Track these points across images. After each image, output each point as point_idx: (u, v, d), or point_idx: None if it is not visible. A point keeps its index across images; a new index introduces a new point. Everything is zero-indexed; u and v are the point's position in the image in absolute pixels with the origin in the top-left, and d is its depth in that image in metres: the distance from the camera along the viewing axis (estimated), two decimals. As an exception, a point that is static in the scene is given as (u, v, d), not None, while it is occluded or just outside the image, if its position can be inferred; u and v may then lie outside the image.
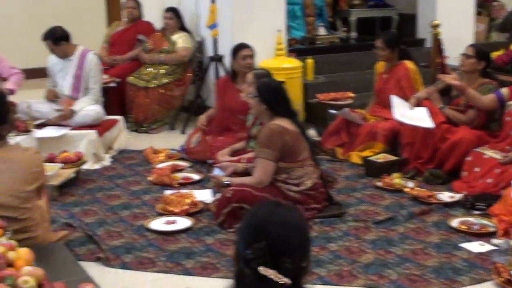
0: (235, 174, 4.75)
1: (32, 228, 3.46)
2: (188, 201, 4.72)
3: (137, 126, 6.97)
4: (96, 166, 5.78)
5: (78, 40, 6.32)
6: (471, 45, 5.65)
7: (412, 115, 5.40)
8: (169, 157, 5.95)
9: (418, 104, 5.51)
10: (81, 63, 6.06)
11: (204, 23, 6.92)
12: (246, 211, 1.96)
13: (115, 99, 7.01)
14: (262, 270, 1.70)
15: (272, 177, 4.45)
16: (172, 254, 4.06)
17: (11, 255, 2.88)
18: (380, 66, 6.21)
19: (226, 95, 5.82)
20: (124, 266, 3.93)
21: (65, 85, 6.12)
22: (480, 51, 5.45)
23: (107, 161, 5.93)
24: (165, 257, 4.02)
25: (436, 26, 6.17)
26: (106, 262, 3.96)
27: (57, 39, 5.96)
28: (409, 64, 5.99)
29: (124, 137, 6.36)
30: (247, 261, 1.73)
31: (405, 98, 5.67)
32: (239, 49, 5.87)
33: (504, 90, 5.25)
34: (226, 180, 4.54)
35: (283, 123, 4.42)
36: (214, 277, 3.79)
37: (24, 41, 9.34)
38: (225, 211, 4.39)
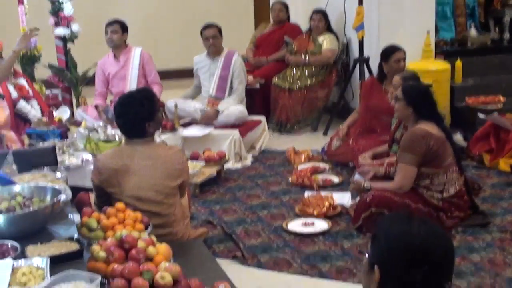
0: (376, 178, 4.66)
1: (172, 224, 3.56)
2: (327, 203, 4.69)
3: (280, 126, 7.02)
4: (238, 166, 5.89)
5: (226, 41, 6.47)
6: None
7: None
8: (310, 158, 5.94)
9: None
10: (227, 64, 6.20)
11: (350, 24, 6.86)
12: (381, 224, 1.88)
13: (259, 100, 7.11)
14: None
15: (415, 183, 4.32)
16: (308, 256, 4.05)
17: (151, 250, 2.97)
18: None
19: (372, 96, 5.72)
20: (260, 265, 3.97)
21: (210, 86, 6.28)
22: None
23: (249, 160, 6.02)
24: (300, 259, 4.02)
25: None
26: (243, 260, 4.02)
27: (220, 30, 6.20)
28: None
29: (266, 137, 6.44)
30: (404, 284, 1.68)
31: None
32: (392, 52, 5.67)
33: None
34: (367, 184, 4.47)
35: (428, 127, 4.27)
36: (349, 282, 3.75)
37: (172, 42, 9.69)
38: (364, 215, 4.33)
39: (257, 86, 7.05)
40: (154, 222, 3.31)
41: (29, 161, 3.89)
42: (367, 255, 1.85)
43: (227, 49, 6.33)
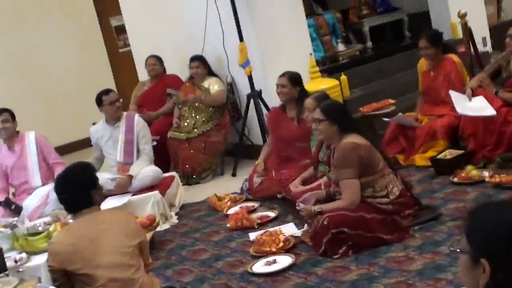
0: (318, 202, 4.70)
1: None
2: (281, 237, 4.65)
3: (187, 178, 6.91)
4: (166, 226, 5.71)
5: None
6: None
7: (473, 106, 5.39)
8: (235, 201, 5.89)
9: (473, 93, 5.50)
10: (129, 127, 6.02)
11: (231, 63, 6.92)
12: (475, 217, 1.86)
13: (158, 157, 6.93)
14: None
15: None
16: (290, 293, 3.99)
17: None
18: (422, 64, 6.19)
19: (280, 126, 5.79)
20: (249, 314, 3.86)
21: (116, 153, 6.06)
22: None
23: (174, 218, 5.86)
24: (285, 297, 3.95)
25: (464, 16, 6.19)
26: (228, 315, 3.88)
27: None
28: (454, 57, 5.98)
29: (182, 192, 6.30)
30: None
31: (456, 91, 5.65)
32: (278, 78, 5.86)
33: None
34: (317, 208, 4.49)
35: (354, 139, 4.41)
36: (342, 306, 3.73)
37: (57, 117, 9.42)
38: (326, 239, 4.33)
39: (154, 143, 6.90)
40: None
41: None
42: (463, 252, 1.83)
43: (126, 112, 6.17)
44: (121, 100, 6.08)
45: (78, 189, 3.45)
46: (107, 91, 6.07)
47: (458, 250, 1.85)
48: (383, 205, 4.41)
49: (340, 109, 4.69)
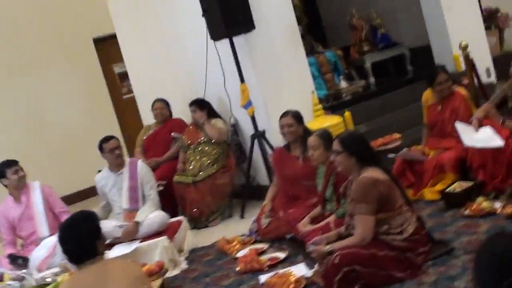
0: (328, 243, 4.61)
1: None
2: (291, 279, 4.57)
3: (195, 222, 6.84)
4: (175, 272, 5.64)
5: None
6: None
7: (480, 137, 5.33)
8: (244, 243, 5.81)
9: (480, 124, 5.45)
10: (133, 174, 6.00)
11: (234, 105, 6.92)
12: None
13: (165, 202, 6.89)
14: None
15: (374, 232, 4.32)
16: (307, 335, 3.90)
17: None
18: (428, 98, 6.16)
19: (285, 165, 5.74)
20: None
21: (121, 200, 6.02)
22: None
23: (184, 264, 5.78)
24: None
25: (465, 47, 6.18)
26: None
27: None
28: (463, 91, 5.98)
29: (190, 237, 6.23)
30: None
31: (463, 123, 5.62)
32: (280, 119, 5.83)
33: None
34: (328, 247, 4.41)
35: (374, 173, 4.31)
36: None
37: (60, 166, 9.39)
38: (337, 278, 4.23)
39: (160, 188, 6.86)
40: None
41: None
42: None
43: (128, 159, 6.15)
44: (120, 147, 6.06)
45: (83, 240, 3.37)
46: (107, 138, 6.07)
47: None
48: (396, 242, 4.32)
49: (359, 140, 4.53)
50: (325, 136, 5.13)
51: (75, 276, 3.60)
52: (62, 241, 3.45)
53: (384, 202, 4.30)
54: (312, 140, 5.16)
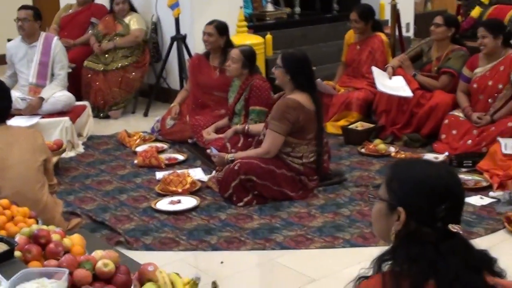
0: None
1: (44, 211, 3.41)
2: (189, 179, 4.68)
3: (97, 111, 6.79)
4: (71, 154, 5.63)
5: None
6: (440, 14, 5.84)
7: (392, 85, 5.56)
8: (144, 140, 5.86)
9: (394, 73, 5.68)
10: (46, 49, 5.84)
11: (160, 2, 6.82)
12: (398, 169, 1.94)
13: (70, 85, 6.77)
14: (452, 227, 1.78)
15: (277, 149, 4.50)
16: (191, 232, 4.04)
17: (66, 242, 2.80)
18: (350, 37, 6.33)
19: (201, 72, 5.77)
20: (148, 247, 3.88)
21: (29, 73, 5.88)
22: (449, 19, 5.68)
23: (81, 148, 5.77)
24: (185, 236, 3.99)
25: (394, -3, 6.34)
26: (128, 245, 3.89)
27: (37, 13, 5.82)
28: (383, 36, 6.15)
29: (92, 123, 6.20)
30: (433, 220, 1.78)
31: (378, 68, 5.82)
32: (205, 26, 5.82)
33: (465, 70, 5.41)
34: (230, 156, 4.54)
35: (301, 98, 4.43)
36: (242, 250, 3.81)
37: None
38: (234, 184, 4.40)
39: (69, 70, 6.72)
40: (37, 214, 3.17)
41: None
42: (381, 199, 1.91)
43: (45, 33, 5.97)
44: (28, 20, 5.78)
45: None
46: (20, 7, 5.88)
47: (374, 196, 1.94)
48: (295, 164, 4.50)
49: (301, 62, 4.56)
50: (247, 54, 5.17)
51: None
52: None
53: (298, 129, 4.45)
54: (234, 52, 5.20)
